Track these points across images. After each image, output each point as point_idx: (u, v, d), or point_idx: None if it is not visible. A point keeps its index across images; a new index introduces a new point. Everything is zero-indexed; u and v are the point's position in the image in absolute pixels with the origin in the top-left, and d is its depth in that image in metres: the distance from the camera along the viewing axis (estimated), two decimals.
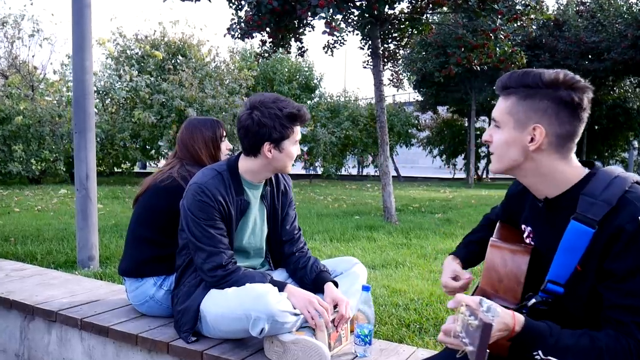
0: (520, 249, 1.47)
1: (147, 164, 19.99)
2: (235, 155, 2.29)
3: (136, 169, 17.18)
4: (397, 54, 8.41)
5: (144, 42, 14.63)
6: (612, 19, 16.62)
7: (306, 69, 20.63)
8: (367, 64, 8.74)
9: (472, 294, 1.44)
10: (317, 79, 21.02)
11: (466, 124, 24.43)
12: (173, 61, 14.57)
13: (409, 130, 20.07)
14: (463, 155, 26.22)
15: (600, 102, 20.10)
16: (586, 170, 1.35)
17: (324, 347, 1.93)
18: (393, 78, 9.66)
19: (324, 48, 8.33)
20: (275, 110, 2.06)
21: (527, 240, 1.52)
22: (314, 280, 2.27)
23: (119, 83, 13.52)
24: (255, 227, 2.33)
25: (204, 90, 13.11)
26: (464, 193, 13.15)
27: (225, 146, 2.70)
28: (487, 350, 1.00)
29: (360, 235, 5.93)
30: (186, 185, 2.39)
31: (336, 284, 2.26)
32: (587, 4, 17.33)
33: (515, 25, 6.93)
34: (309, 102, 20.12)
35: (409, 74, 15.41)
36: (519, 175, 1.41)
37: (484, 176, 26.55)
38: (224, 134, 2.71)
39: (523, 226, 1.55)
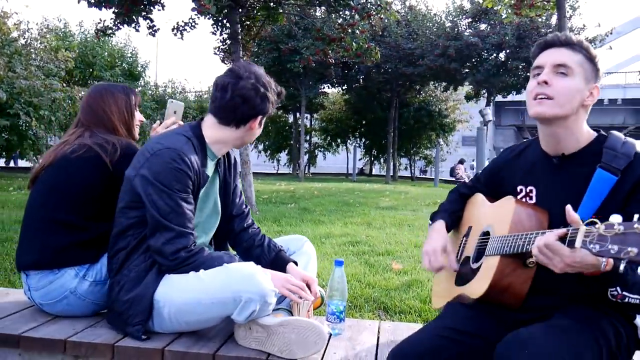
0: (539, 207, 1.59)
1: None
2: (195, 121, 2.01)
3: None
4: (250, 43, 8.27)
5: None
6: (425, 29, 18.60)
7: (129, 55, 19.14)
8: (218, 50, 8.45)
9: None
10: (142, 66, 19.62)
11: (290, 120, 25.19)
12: None
13: None
14: (286, 150, 27.03)
15: (408, 104, 22.35)
16: (594, 133, 1.57)
17: (321, 325, 1.79)
18: None
19: (173, 30, 7.83)
20: (273, 86, 2.00)
21: (525, 200, 1.64)
22: (274, 259, 2.11)
23: None
24: (215, 205, 2.10)
25: (13, 70, 11.33)
26: (301, 185, 13.53)
27: (138, 117, 2.37)
28: None
29: None
30: (106, 155, 2.05)
31: (296, 264, 2.13)
32: (403, 13, 19.11)
33: (367, 23, 7.31)
34: None
35: None
36: (561, 126, 1.50)
37: (306, 171, 27.73)
38: (138, 102, 2.39)
39: (520, 187, 1.66)
